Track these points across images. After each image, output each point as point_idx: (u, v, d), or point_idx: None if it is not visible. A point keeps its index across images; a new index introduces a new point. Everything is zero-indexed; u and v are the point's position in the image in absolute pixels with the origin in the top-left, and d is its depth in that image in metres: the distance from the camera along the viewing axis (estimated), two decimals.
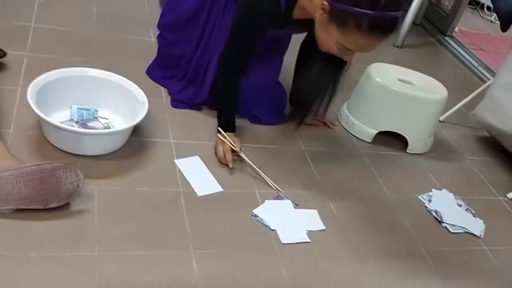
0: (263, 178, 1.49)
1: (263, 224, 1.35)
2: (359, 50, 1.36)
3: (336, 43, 1.35)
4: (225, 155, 1.50)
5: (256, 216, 1.37)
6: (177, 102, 1.71)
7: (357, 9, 1.24)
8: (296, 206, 1.45)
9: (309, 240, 1.35)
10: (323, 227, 1.41)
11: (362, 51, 1.36)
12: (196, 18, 1.68)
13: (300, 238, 1.35)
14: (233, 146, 1.51)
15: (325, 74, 1.51)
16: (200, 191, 1.39)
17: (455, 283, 1.37)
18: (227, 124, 1.58)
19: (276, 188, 1.48)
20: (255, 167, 1.50)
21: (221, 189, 1.42)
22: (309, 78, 1.52)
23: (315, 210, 1.45)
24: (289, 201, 1.45)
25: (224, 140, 1.52)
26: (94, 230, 1.19)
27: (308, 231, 1.38)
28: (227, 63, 1.56)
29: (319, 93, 1.55)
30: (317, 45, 1.43)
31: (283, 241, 1.32)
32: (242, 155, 1.51)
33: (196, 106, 1.71)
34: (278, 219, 1.38)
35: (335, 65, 1.49)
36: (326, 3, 1.30)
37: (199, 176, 1.44)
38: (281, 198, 1.46)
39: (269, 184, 1.48)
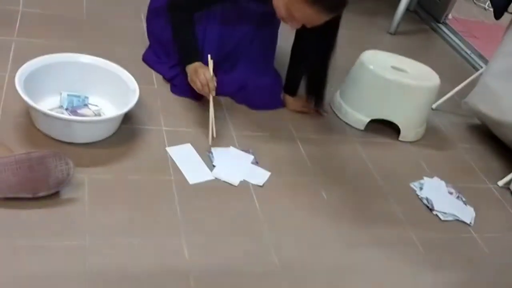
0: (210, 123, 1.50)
1: (211, 160, 1.45)
2: (304, 20, 1.40)
3: (285, 7, 1.39)
4: (207, 84, 1.47)
5: (211, 153, 1.47)
6: (178, 89, 1.69)
7: None
8: (256, 163, 1.50)
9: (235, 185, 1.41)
10: (261, 184, 1.44)
11: (307, 22, 1.40)
12: None
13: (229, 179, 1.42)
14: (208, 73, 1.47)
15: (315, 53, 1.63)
16: (192, 179, 1.39)
17: (445, 271, 1.38)
18: (193, 54, 1.54)
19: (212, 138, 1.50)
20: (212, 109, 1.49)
21: (213, 177, 1.41)
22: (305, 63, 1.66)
23: (269, 173, 1.48)
24: (251, 157, 1.51)
25: (199, 69, 1.48)
26: (85, 219, 1.18)
27: (244, 180, 1.43)
28: (174, 2, 1.55)
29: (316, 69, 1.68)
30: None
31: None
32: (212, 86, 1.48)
33: (197, 94, 1.68)
34: (226, 162, 1.46)
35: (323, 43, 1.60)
36: None
37: (191, 164, 1.43)
38: (248, 152, 1.54)
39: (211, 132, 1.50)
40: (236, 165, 1.47)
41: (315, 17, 1.38)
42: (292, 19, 1.41)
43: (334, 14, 1.40)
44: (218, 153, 1.49)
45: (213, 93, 1.48)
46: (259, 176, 1.47)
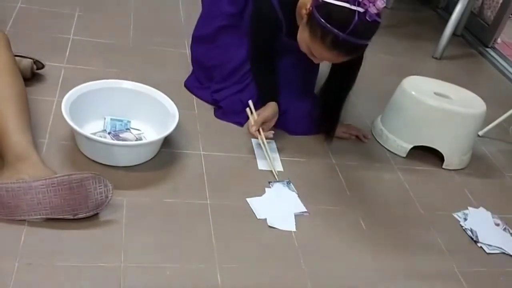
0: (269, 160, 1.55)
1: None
2: (323, 59, 1.48)
3: (305, 44, 1.45)
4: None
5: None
6: (223, 113, 1.72)
7: (328, 25, 1.33)
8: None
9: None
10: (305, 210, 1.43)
11: (326, 60, 1.49)
12: (230, 31, 1.71)
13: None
14: (253, 118, 1.57)
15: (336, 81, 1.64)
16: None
17: None
18: (265, 94, 1.64)
19: (276, 176, 1.53)
20: (265, 146, 1.56)
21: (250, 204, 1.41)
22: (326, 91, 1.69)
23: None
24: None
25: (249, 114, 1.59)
26: (121, 241, 1.20)
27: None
28: (255, 53, 1.67)
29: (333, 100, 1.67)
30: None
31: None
32: (260, 130, 1.57)
33: (241, 120, 1.71)
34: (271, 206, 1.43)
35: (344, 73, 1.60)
36: (310, 7, 1.39)
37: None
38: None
39: (272, 171, 1.54)
40: (280, 209, 1.43)
41: (334, 59, 1.45)
42: (313, 56, 1.47)
43: (354, 56, 1.43)
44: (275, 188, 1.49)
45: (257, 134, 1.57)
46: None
